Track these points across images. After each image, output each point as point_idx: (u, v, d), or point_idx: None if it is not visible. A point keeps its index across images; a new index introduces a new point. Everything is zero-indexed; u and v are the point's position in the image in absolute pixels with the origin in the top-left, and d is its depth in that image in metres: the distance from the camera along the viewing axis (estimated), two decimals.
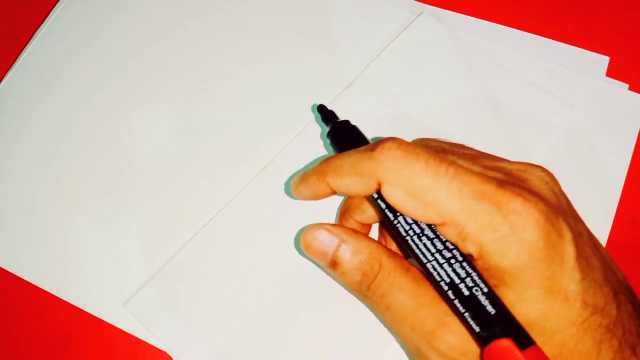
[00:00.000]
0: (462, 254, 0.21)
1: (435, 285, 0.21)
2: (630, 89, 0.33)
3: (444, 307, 0.21)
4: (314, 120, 0.33)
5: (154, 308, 0.29)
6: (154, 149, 0.33)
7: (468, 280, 0.20)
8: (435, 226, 0.21)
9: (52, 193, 0.32)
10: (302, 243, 0.24)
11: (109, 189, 0.32)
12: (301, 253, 0.30)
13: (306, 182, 0.25)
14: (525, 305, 0.20)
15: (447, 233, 0.21)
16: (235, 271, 0.30)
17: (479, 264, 0.21)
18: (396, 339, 0.29)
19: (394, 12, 0.35)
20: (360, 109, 0.33)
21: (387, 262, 0.22)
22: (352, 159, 0.23)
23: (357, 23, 0.35)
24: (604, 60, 0.34)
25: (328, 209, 0.30)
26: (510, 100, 0.33)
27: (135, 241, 0.31)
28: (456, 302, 0.20)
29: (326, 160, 0.24)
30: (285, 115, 0.33)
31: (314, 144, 0.32)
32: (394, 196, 0.21)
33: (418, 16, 0.35)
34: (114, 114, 0.34)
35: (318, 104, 0.30)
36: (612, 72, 0.34)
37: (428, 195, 0.20)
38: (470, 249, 0.20)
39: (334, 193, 0.24)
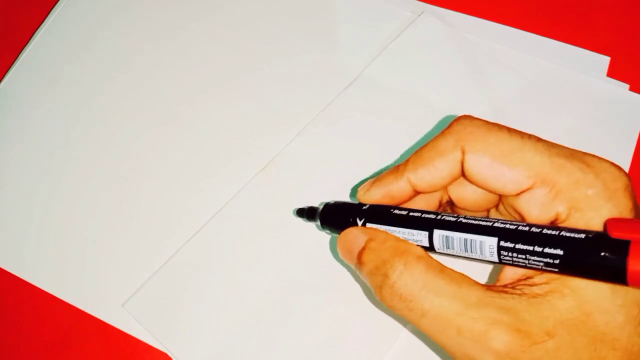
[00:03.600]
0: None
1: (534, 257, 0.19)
2: (630, 89, 0.33)
3: (495, 303, 0.19)
4: (314, 119, 0.33)
5: (153, 308, 0.29)
6: (154, 149, 0.33)
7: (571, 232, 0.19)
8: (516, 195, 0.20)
9: (52, 193, 0.32)
10: (337, 246, 0.24)
11: (108, 189, 0.32)
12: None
13: (380, 182, 0.23)
14: None
15: (534, 196, 0.20)
16: (234, 271, 0.30)
17: (565, 225, 0.19)
18: (434, 347, 0.28)
19: (395, 11, 0.35)
20: (360, 108, 0.33)
21: (413, 262, 0.21)
22: (429, 144, 0.22)
23: (358, 22, 0.35)
24: (605, 60, 0.34)
25: None
26: (511, 100, 0.33)
27: (134, 241, 0.31)
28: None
29: (402, 163, 0.23)
30: (285, 115, 0.33)
31: (314, 143, 0.32)
32: (478, 165, 0.20)
33: (419, 15, 0.35)
34: (113, 114, 0.34)
35: (296, 208, 0.28)
36: (612, 72, 0.34)
37: (516, 156, 0.20)
38: (559, 207, 0.19)
39: (414, 195, 0.23)
